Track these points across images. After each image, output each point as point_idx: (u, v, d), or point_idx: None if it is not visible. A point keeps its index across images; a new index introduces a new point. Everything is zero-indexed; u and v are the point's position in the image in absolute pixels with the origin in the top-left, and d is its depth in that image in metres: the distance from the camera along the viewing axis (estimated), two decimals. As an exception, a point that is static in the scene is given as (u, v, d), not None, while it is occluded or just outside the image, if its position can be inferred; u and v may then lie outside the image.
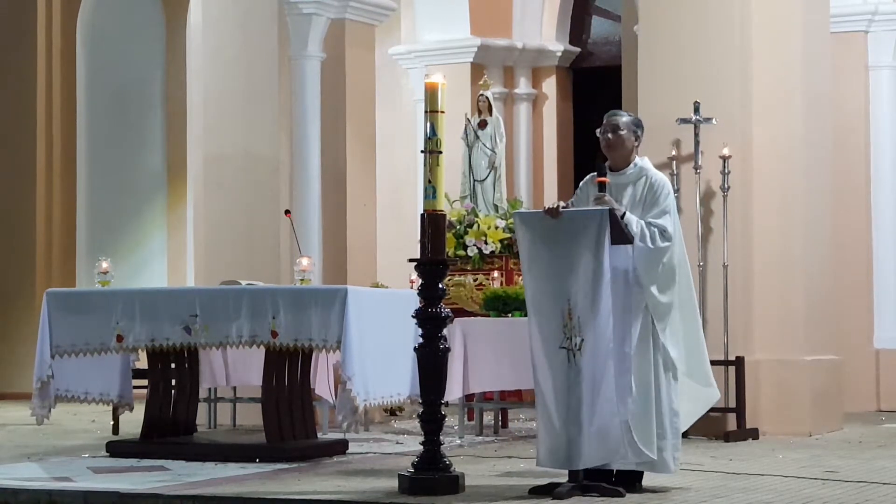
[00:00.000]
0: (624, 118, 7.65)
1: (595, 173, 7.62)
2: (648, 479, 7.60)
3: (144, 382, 9.95)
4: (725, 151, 10.96)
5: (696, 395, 7.73)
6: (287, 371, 9.36)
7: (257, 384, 9.71)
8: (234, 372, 10.69)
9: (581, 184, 7.79)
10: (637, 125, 7.67)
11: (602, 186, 7.49)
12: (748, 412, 10.74)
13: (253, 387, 10.52)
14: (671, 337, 7.47)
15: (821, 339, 11.42)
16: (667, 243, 7.43)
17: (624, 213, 7.39)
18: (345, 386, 8.78)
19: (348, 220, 12.93)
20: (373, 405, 9.05)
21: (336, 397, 10.33)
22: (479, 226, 13.72)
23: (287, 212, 11.68)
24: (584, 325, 7.21)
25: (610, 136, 7.63)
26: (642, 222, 7.42)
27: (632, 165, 7.65)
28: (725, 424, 10.75)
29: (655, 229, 7.42)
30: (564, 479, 7.36)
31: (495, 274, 13.32)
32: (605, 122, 7.67)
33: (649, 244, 7.39)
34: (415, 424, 9.16)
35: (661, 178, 7.64)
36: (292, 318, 8.95)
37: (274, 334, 8.98)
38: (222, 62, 12.72)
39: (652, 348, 7.41)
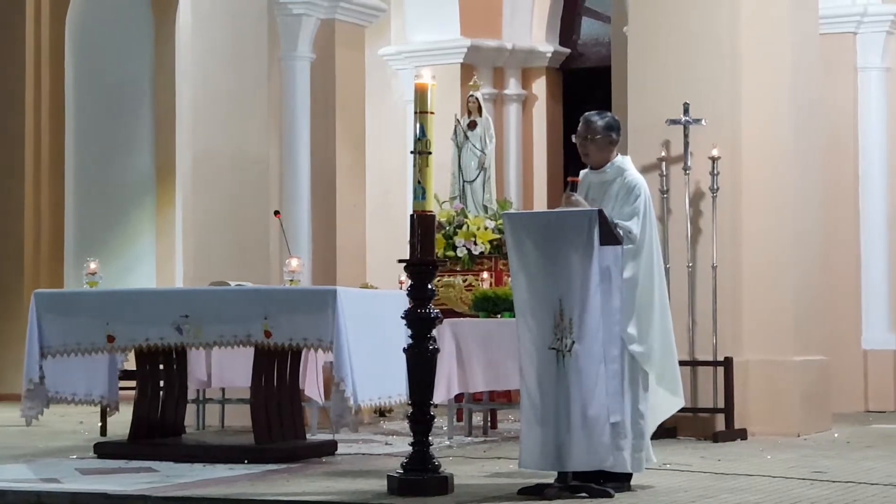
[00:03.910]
0: (597, 123, 7.66)
1: (585, 171, 7.67)
2: (637, 481, 7.60)
3: (132, 384, 9.94)
4: (715, 152, 10.97)
5: (661, 403, 7.74)
6: (276, 372, 9.35)
7: (244, 385, 9.71)
8: (221, 373, 10.68)
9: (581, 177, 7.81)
10: (611, 128, 7.69)
11: (573, 185, 7.54)
12: (737, 413, 10.75)
13: (241, 388, 10.51)
14: (640, 336, 7.46)
15: (809, 339, 11.43)
16: (629, 245, 7.46)
17: (600, 210, 7.42)
18: (338, 387, 8.78)
19: (337, 220, 12.92)
20: (366, 406, 9.03)
21: (325, 398, 10.35)
22: (468, 226, 13.72)
23: (276, 212, 11.67)
24: (576, 326, 7.21)
25: (583, 142, 7.68)
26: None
27: (610, 165, 7.69)
28: (714, 425, 10.77)
29: (620, 231, 7.45)
30: (552, 480, 7.36)
31: (484, 275, 13.31)
32: (579, 126, 7.70)
33: None
34: (404, 425, 9.16)
35: (636, 178, 7.66)
36: (283, 318, 8.95)
37: (268, 334, 8.98)
38: (211, 62, 12.70)
39: (622, 347, 7.42)
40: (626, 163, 7.75)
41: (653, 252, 7.61)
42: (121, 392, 10.03)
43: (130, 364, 10.02)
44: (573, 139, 7.77)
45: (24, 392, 9.56)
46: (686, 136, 11.08)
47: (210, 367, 10.69)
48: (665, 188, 11.14)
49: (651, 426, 7.71)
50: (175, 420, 9.83)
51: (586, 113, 7.78)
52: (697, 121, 11.03)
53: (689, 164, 11.11)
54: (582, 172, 7.80)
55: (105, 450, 9.51)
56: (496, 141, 14.46)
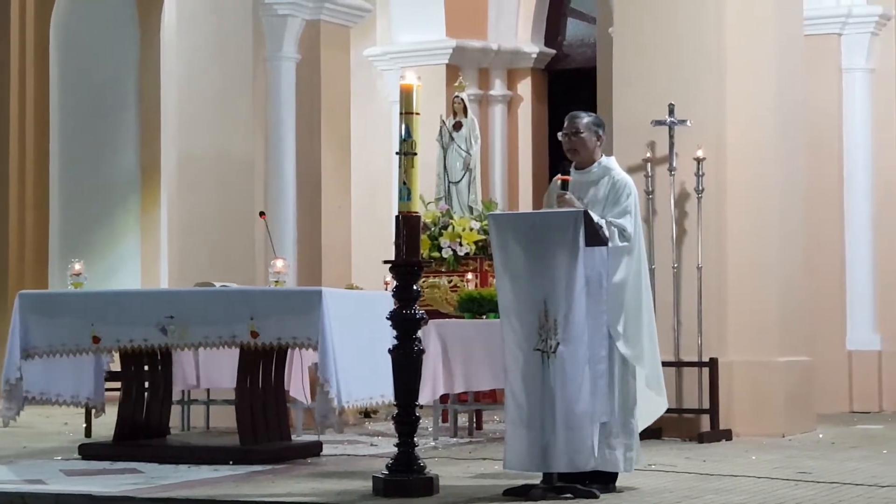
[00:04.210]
0: (584, 120, 7.68)
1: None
2: (622, 481, 7.61)
3: (117, 385, 9.92)
4: (700, 153, 10.98)
5: (650, 406, 7.75)
6: (261, 373, 9.34)
7: (229, 386, 9.70)
8: (206, 374, 10.66)
9: (552, 183, 7.83)
10: (597, 125, 7.72)
11: (565, 184, 7.53)
12: (722, 413, 10.77)
13: (226, 389, 10.50)
14: (629, 337, 7.47)
15: (794, 340, 11.45)
16: (624, 243, 7.47)
17: (585, 211, 7.42)
18: (322, 388, 8.78)
19: (323, 221, 12.90)
20: (350, 407, 9.02)
21: (310, 399, 10.34)
22: (453, 227, 13.72)
23: (262, 213, 11.63)
24: (561, 328, 7.21)
25: (571, 139, 7.68)
26: (602, 220, 7.45)
27: (596, 164, 7.70)
28: (699, 426, 10.78)
29: (615, 229, 7.47)
30: (537, 481, 7.36)
31: (470, 276, 13.33)
32: (565, 124, 7.71)
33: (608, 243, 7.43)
34: (389, 426, 9.16)
35: (625, 178, 7.68)
36: (270, 319, 8.93)
37: (254, 335, 8.96)
38: (196, 62, 12.68)
39: (609, 348, 7.43)
40: (612, 163, 7.77)
41: (641, 252, 7.63)
42: (105, 393, 10.01)
43: (116, 365, 10.00)
44: (559, 137, 7.77)
45: (2, 393, 9.54)
46: (671, 136, 11.10)
47: (201, 368, 10.67)
48: (650, 189, 11.15)
49: (641, 426, 7.74)
50: (160, 421, 9.81)
51: (572, 112, 7.79)
52: (682, 122, 11.04)
53: (674, 164, 11.12)
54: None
55: (90, 451, 9.48)
56: (481, 142, 14.48)
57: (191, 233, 12.59)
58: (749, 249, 11.15)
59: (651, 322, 7.65)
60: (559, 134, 7.76)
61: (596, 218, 7.42)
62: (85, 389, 9.83)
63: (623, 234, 7.48)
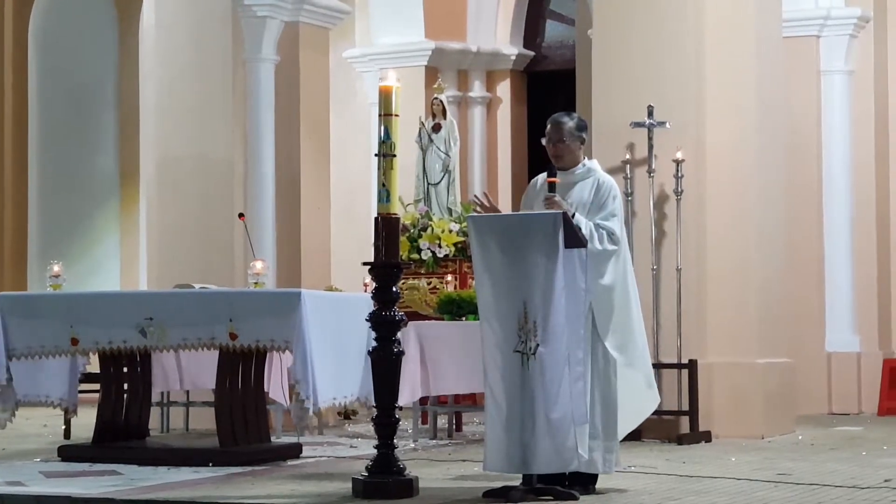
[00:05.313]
0: (568, 125, 7.69)
1: (545, 174, 7.66)
2: (602, 483, 7.62)
3: (96, 386, 9.89)
4: (679, 155, 11.00)
5: (645, 401, 7.77)
6: (241, 374, 9.33)
7: (210, 388, 9.68)
8: (186, 375, 10.64)
9: (529, 185, 7.83)
10: (581, 128, 7.73)
11: (552, 186, 7.53)
12: (701, 415, 10.79)
13: (206, 390, 10.49)
14: (613, 338, 7.49)
15: (773, 342, 11.48)
16: (614, 247, 7.49)
17: (573, 214, 7.43)
18: (293, 389, 8.77)
19: (302, 223, 12.90)
20: (323, 408, 9.01)
21: (290, 401, 10.33)
22: (432, 229, 13.72)
23: (241, 215, 11.63)
24: (541, 329, 7.22)
25: (556, 145, 7.68)
26: (591, 224, 7.47)
27: (580, 166, 7.71)
28: (678, 427, 10.79)
29: (604, 231, 7.48)
30: (517, 483, 7.37)
31: (449, 277, 13.33)
32: (549, 128, 7.71)
33: (597, 246, 7.45)
34: (369, 428, 9.15)
35: (609, 180, 7.69)
36: (248, 321, 8.93)
37: (233, 336, 8.96)
38: (175, 64, 12.66)
39: (591, 350, 7.44)
40: (595, 164, 7.79)
41: (626, 253, 7.65)
42: (84, 395, 9.98)
43: (94, 367, 9.97)
44: (543, 142, 7.78)
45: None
46: (650, 138, 11.11)
47: (181, 369, 10.65)
48: (629, 191, 11.17)
49: (633, 424, 7.77)
50: (139, 423, 9.79)
51: (554, 115, 7.79)
52: (662, 124, 11.06)
53: (653, 166, 11.14)
54: (541, 176, 7.79)
55: (69, 453, 9.47)
56: (460, 143, 14.47)
57: (170, 234, 12.57)
58: (728, 251, 11.17)
59: (640, 321, 7.67)
60: (543, 140, 7.75)
61: (584, 221, 7.44)
62: (59, 390, 9.78)
63: (612, 236, 7.50)
